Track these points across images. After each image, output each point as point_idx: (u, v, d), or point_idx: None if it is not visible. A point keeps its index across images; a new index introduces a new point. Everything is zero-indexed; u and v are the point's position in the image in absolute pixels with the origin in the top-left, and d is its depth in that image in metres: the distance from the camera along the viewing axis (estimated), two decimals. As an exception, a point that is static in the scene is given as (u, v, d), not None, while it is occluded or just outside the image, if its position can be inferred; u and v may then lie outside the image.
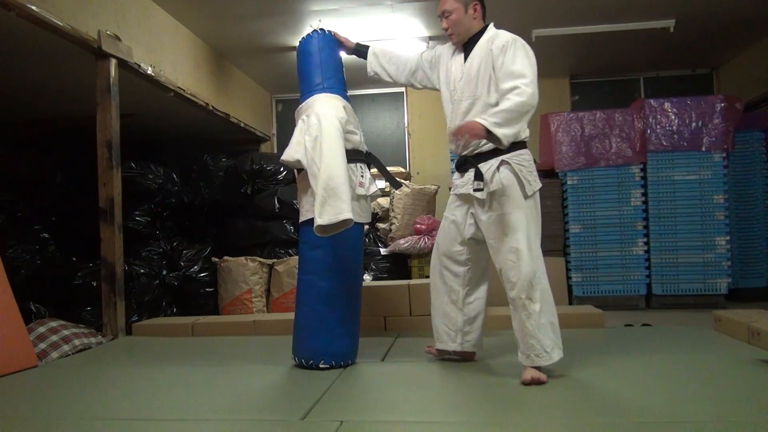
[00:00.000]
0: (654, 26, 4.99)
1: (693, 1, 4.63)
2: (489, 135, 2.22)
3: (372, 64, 2.82)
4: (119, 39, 3.72)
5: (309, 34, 2.76)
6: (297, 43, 2.90)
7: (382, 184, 5.41)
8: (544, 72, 6.29)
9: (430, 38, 5.26)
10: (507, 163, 2.35)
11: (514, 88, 2.25)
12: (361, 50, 2.83)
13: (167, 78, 4.35)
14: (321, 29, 2.76)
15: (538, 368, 2.27)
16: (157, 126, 5.58)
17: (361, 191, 2.62)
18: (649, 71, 6.53)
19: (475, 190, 2.37)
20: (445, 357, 2.68)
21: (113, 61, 3.67)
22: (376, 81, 2.91)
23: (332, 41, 2.78)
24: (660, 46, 5.60)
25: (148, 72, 4.07)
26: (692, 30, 5.17)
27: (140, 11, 4.09)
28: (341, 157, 2.43)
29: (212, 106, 5.12)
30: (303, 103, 2.66)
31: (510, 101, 2.24)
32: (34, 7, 3.01)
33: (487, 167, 2.38)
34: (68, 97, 4.65)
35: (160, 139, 6.05)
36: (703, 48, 5.77)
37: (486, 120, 2.22)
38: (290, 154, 2.55)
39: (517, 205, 2.33)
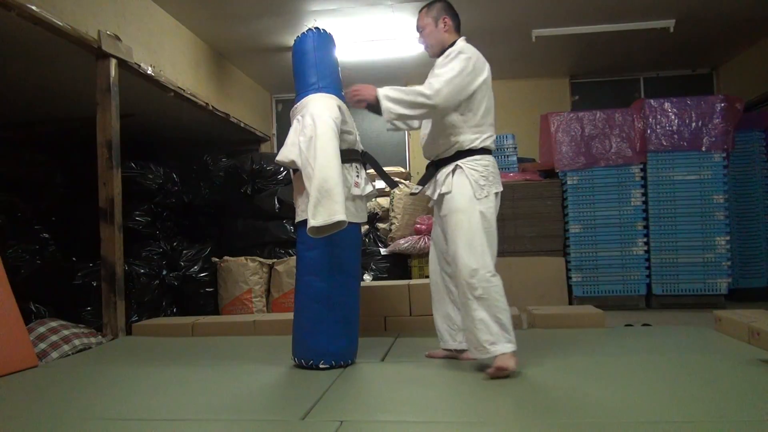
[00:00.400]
0: (654, 26, 4.99)
1: (693, 1, 4.63)
2: (378, 103, 2.44)
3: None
4: (119, 39, 3.72)
5: (304, 33, 2.73)
6: (297, 43, 2.89)
7: (381, 184, 5.42)
8: (544, 72, 6.44)
9: (430, 38, 5.25)
10: (461, 167, 2.49)
11: (428, 82, 2.42)
12: (374, 106, 2.82)
13: (167, 78, 4.35)
14: (316, 28, 2.73)
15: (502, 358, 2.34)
16: (157, 126, 5.58)
17: (356, 191, 2.62)
18: (649, 71, 6.53)
19: (411, 194, 2.68)
20: (448, 356, 2.72)
21: (113, 61, 3.66)
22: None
23: (328, 40, 2.75)
24: (660, 46, 5.60)
25: (148, 72, 4.07)
26: (692, 30, 5.17)
27: (140, 11, 4.09)
28: (336, 158, 2.43)
29: (212, 106, 5.12)
30: (298, 103, 2.65)
31: (415, 87, 2.43)
32: (34, 7, 3.01)
33: (444, 171, 2.54)
34: (68, 97, 4.65)
35: (160, 139, 6.05)
36: (703, 48, 5.77)
37: (383, 89, 2.44)
38: (285, 154, 2.55)
39: (462, 207, 2.45)
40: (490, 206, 2.47)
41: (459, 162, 2.49)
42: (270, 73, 6.03)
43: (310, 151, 2.43)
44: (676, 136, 4.41)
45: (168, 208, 4.90)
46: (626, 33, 5.14)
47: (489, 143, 2.53)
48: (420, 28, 2.66)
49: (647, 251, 4.44)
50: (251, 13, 4.59)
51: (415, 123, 2.75)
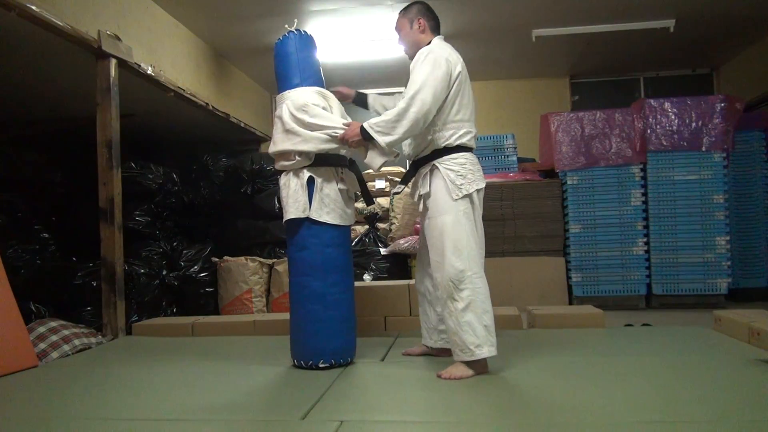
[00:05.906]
0: (654, 26, 5.00)
1: (693, 1, 4.64)
2: (370, 140, 2.41)
3: (374, 106, 2.92)
4: (119, 39, 3.72)
5: (285, 35, 2.74)
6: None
7: (381, 184, 5.42)
8: (544, 72, 6.44)
9: (430, 38, 5.25)
10: (437, 167, 2.46)
11: (406, 95, 2.37)
12: (360, 98, 2.93)
13: (167, 78, 4.35)
14: (297, 30, 2.74)
15: (470, 366, 2.35)
16: (157, 126, 5.58)
17: (342, 186, 2.62)
18: (649, 71, 6.53)
19: (394, 193, 2.56)
20: (425, 353, 2.77)
21: (113, 61, 3.66)
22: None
23: (309, 42, 2.76)
24: (660, 46, 5.60)
25: (148, 72, 4.07)
26: (692, 30, 5.17)
27: (140, 11, 4.09)
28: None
29: (212, 106, 5.12)
30: (277, 96, 2.72)
31: (397, 108, 2.38)
32: (34, 7, 3.01)
33: (422, 171, 2.53)
34: (68, 97, 4.65)
35: (160, 139, 6.05)
36: (703, 48, 5.77)
37: (367, 122, 2.42)
38: (312, 139, 2.50)
39: (443, 208, 2.42)
40: (471, 205, 2.44)
41: (435, 162, 2.46)
42: (270, 73, 5.94)
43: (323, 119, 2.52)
44: (676, 136, 4.41)
45: (168, 208, 4.90)
46: (626, 33, 5.14)
47: (466, 140, 2.48)
48: (397, 30, 2.70)
49: (647, 251, 4.44)
50: (251, 13, 4.59)
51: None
